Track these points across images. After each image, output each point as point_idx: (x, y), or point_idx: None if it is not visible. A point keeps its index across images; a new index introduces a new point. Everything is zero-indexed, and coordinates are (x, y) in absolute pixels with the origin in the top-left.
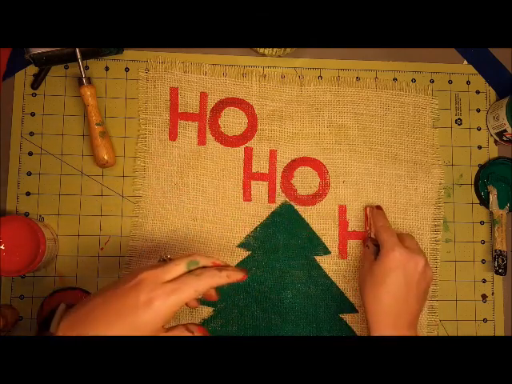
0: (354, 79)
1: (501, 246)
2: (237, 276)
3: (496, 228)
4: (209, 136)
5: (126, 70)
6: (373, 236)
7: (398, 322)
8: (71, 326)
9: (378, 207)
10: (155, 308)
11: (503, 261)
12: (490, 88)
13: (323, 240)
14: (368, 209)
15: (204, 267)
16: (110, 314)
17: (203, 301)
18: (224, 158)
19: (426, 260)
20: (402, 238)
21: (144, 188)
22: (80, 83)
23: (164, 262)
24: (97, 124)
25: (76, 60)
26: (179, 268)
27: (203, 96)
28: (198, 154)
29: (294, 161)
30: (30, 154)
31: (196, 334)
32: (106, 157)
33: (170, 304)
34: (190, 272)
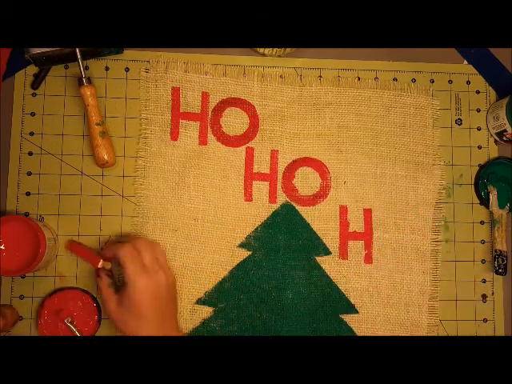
0: (355, 79)
1: (501, 245)
2: None
3: (496, 228)
4: (210, 136)
5: (126, 70)
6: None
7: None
8: None
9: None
10: None
11: (503, 261)
12: (490, 88)
13: (324, 240)
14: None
15: None
16: None
17: (203, 301)
18: (225, 157)
19: (163, 273)
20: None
21: (145, 188)
22: (80, 83)
23: None
24: (97, 124)
25: (76, 60)
26: None
27: (205, 96)
28: (200, 154)
29: (295, 161)
30: (30, 153)
31: None
32: (106, 157)
33: None
34: None
